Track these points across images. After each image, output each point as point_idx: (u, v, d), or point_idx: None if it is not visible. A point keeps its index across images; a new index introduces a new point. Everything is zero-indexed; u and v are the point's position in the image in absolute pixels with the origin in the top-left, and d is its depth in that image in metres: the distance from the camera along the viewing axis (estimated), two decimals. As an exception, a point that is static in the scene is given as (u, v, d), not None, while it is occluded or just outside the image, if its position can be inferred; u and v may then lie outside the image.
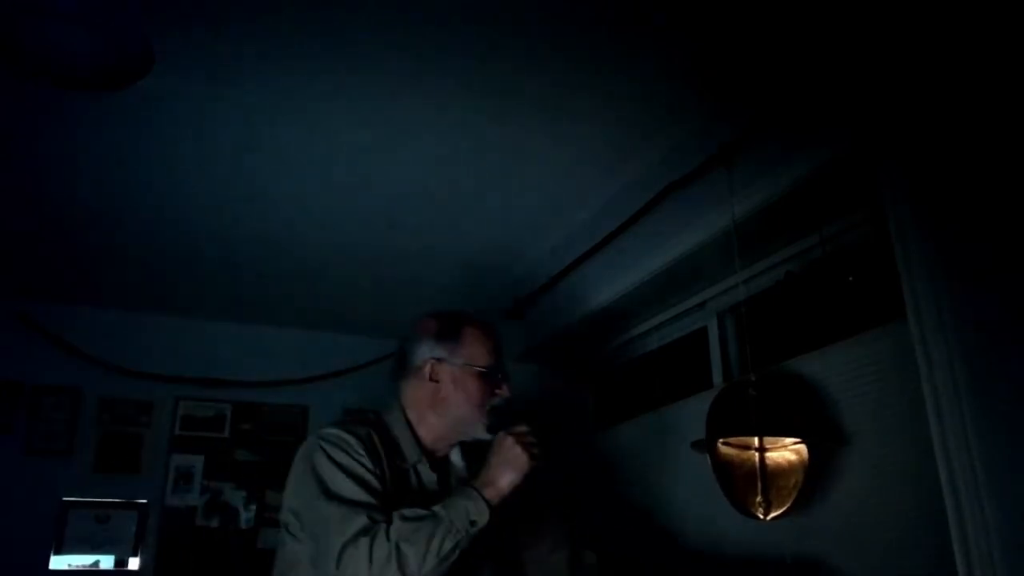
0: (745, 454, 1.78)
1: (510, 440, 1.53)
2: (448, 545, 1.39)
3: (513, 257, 2.91)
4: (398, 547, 1.36)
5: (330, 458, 1.48)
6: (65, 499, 3.15)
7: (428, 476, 1.60)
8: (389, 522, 1.39)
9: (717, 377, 2.33)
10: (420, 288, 3.19)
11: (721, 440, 1.80)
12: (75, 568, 3.11)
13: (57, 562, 3.09)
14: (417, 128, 2.05)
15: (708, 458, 1.80)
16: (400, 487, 1.53)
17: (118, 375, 3.34)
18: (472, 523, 1.42)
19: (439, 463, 1.66)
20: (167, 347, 3.47)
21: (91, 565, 3.13)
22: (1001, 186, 1.26)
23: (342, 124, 2.03)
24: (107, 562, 3.16)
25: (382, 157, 2.20)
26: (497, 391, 1.66)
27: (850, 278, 1.79)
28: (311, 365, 3.62)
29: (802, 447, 1.69)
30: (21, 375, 3.21)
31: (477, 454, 1.66)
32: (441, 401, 1.64)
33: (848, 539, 1.65)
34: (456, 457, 1.70)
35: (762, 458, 1.75)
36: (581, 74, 1.83)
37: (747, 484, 1.76)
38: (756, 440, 1.75)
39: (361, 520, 1.39)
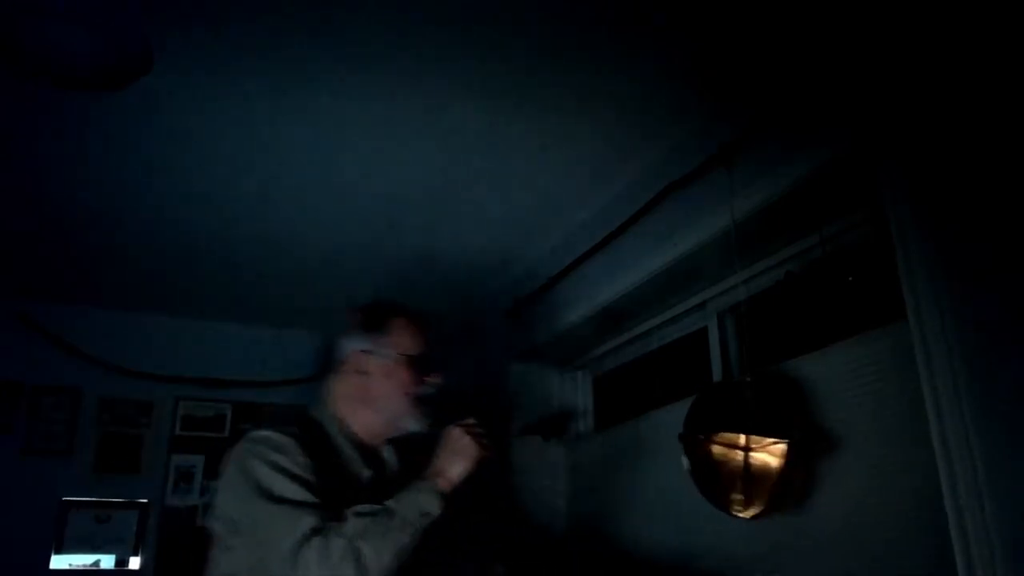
0: (729, 452, 1.78)
1: (459, 431, 1.54)
2: (404, 539, 1.38)
3: (513, 257, 2.91)
4: (355, 544, 1.35)
5: (266, 461, 1.44)
6: (65, 499, 3.16)
7: (364, 473, 1.58)
8: (339, 520, 1.37)
9: (717, 377, 2.32)
10: (420, 288, 3.19)
11: (703, 436, 1.80)
12: (75, 568, 3.12)
13: (57, 562, 3.09)
14: (417, 128, 2.05)
15: (684, 453, 1.81)
16: (337, 485, 1.50)
17: (118, 375, 3.34)
18: (425, 515, 1.42)
19: (373, 459, 1.63)
20: (167, 347, 3.47)
21: (91, 565, 3.14)
22: (1001, 186, 1.26)
23: (342, 124, 2.03)
24: (108, 562, 3.16)
25: (382, 157, 2.20)
26: (427, 380, 1.64)
27: (850, 278, 1.79)
28: (311, 365, 3.62)
29: (786, 447, 1.69)
30: (21, 375, 3.22)
31: (409, 450, 1.66)
32: (371, 394, 1.61)
33: (848, 539, 1.65)
34: (388, 454, 1.68)
35: (746, 456, 1.74)
36: (581, 74, 1.83)
37: (727, 481, 1.75)
38: (742, 438, 1.75)
39: (310, 520, 1.36)
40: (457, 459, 1.51)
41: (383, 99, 1.92)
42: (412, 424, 1.63)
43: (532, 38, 1.70)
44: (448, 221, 2.61)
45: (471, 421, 1.57)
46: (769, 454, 1.73)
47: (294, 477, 1.43)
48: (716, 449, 1.80)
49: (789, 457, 1.68)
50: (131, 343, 3.40)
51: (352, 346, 1.65)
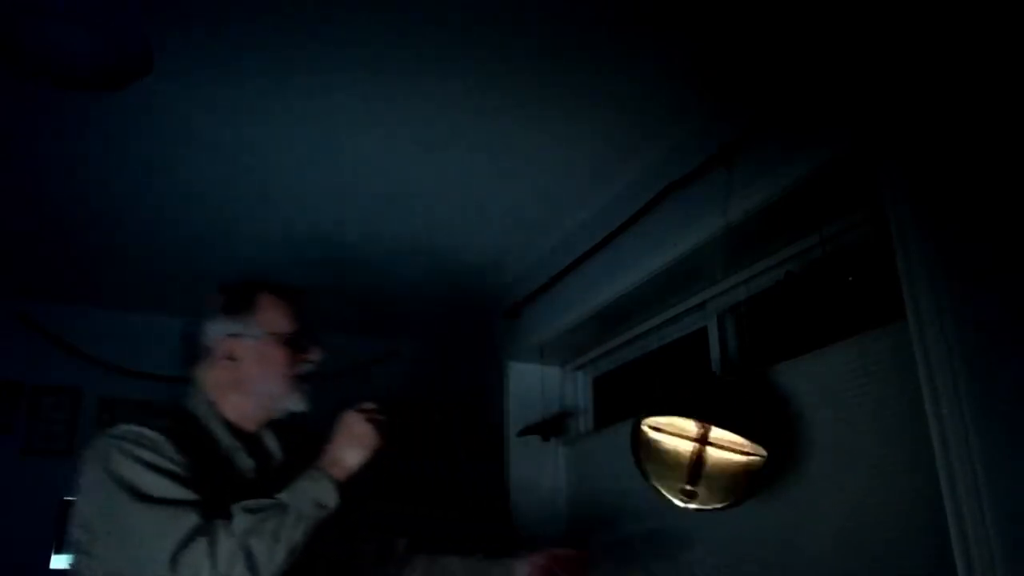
0: (679, 441, 1.79)
1: (357, 416, 1.45)
2: (297, 534, 1.30)
3: (513, 257, 2.91)
4: (243, 542, 1.25)
5: (134, 457, 1.32)
6: (65, 499, 3.15)
7: (245, 463, 1.49)
8: (225, 518, 1.28)
9: (717, 377, 2.33)
10: (420, 288, 3.19)
11: (654, 422, 1.81)
12: (75, 568, 3.11)
13: (58, 562, 3.08)
14: (417, 128, 2.05)
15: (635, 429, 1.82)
16: (219, 480, 1.41)
17: (118, 375, 3.33)
18: (321, 507, 1.34)
19: (256, 448, 1.55)
20: (167, 347, 3.46)
21: (91, 565, 3.13)
22: (1001, 186, 1.26)
23: (342, 124, 2.03)
24: (107, 562, 3.16)
25: (382, 156, 2.20)
26: (304, 357, 1.56)
27: (850, 278, 1.79)
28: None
29: (698, 428, 1.72)
30: (21, 375, 3.21)
31: (293, 435, 1.58)
32: (245, 379, 1.52)
33: (848, 539, 1.65)
34: (271, 440, 1.59)
35: (702, 448, 1.75)
36: (581, 74, 1.83)
37: (676, 467, 1.76)
38: (698, 428, 1.75)
39: (191, 519, 1.26)
40: (354, 446, 1.42)
41: (383, 99, 1.92)
42: (293, 405, 1.54)
43: (532, 38, 1.70)
44: (448, 221, 2.61)
45: (371, 406, 1.48)
46: (683, 438, 1.75)
47: (168, 473, 1.31)
48: (664, 434, 1.82)
49: (701, 439, 1.69)
50: (131, 343, 3.40)
51: (218, 331, 1.54)
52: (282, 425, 1.58)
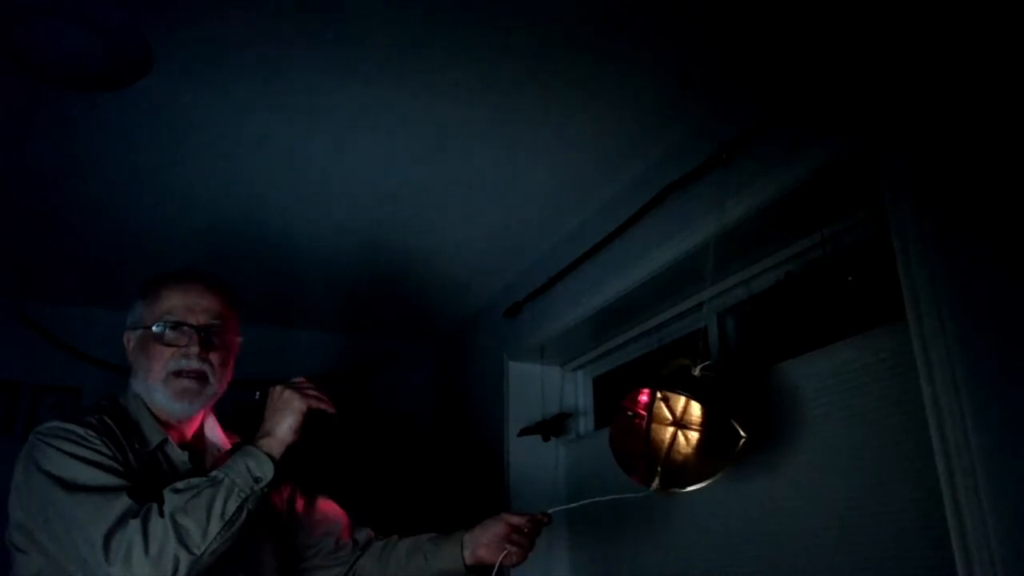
0: (657, 427, 1.79)
1: (279, 388, 1.46)
2: (232, 506, 1.29)
3: (513, 257, 2.91)
4: (175, 520, 1.25)
5: (60, 451, 1.33)
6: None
7: (178, 455, 1.49)
8: (158, 501, 1.28)
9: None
10: (420, 288, 3.19)
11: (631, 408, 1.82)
12: (75, 568, 3.11)
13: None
14: (418, 127, 2.05)
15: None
16: (149, 473, 1.41)
17: (118, 375, 3.33)
18: (257, 479, 1.33)
19: (192, 440, 1.54)
20: (167, 347, 3.46)
21: (91, 565, 3.13)
22: (1002, 186, 1.26)
23: (342, 124, 2.03)
24: (107, 562, 3.15)
25: (382, 157, 2.20)
26: (184, 352, 1.52)
27: (850, 278, 1.79)
28: (312, 365, 3.61)
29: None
30: (21, 375, 3.21)
31: (250, 421, 1.55)
32: (137, 372, 1.54)
33: (846, 539, 1.65)
34: (211, 430, 1.59)
35: (676, 432, 1.75)
36: (581, 74, 1.83)
37: (647, 450, 1.76)
38: (681, 406, 1.75)
39: (122, 502, 1.27)
40: (280, 415, 1.42)
41: (382, 98, 1.92)
42: (166, 402, 1.52)
43: (532, 38, 1.70)
44: (448, 220, 2.61)
45: (300, 379, 1.49)
46: (660, 424, 1.75)
47: (96, 464, 1.32)
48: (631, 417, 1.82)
49: (677, 423, 1.72)
50: (131, 343, 3.39)
51: (127, 323, 1.59)
52: (230, 414, 1.60)
